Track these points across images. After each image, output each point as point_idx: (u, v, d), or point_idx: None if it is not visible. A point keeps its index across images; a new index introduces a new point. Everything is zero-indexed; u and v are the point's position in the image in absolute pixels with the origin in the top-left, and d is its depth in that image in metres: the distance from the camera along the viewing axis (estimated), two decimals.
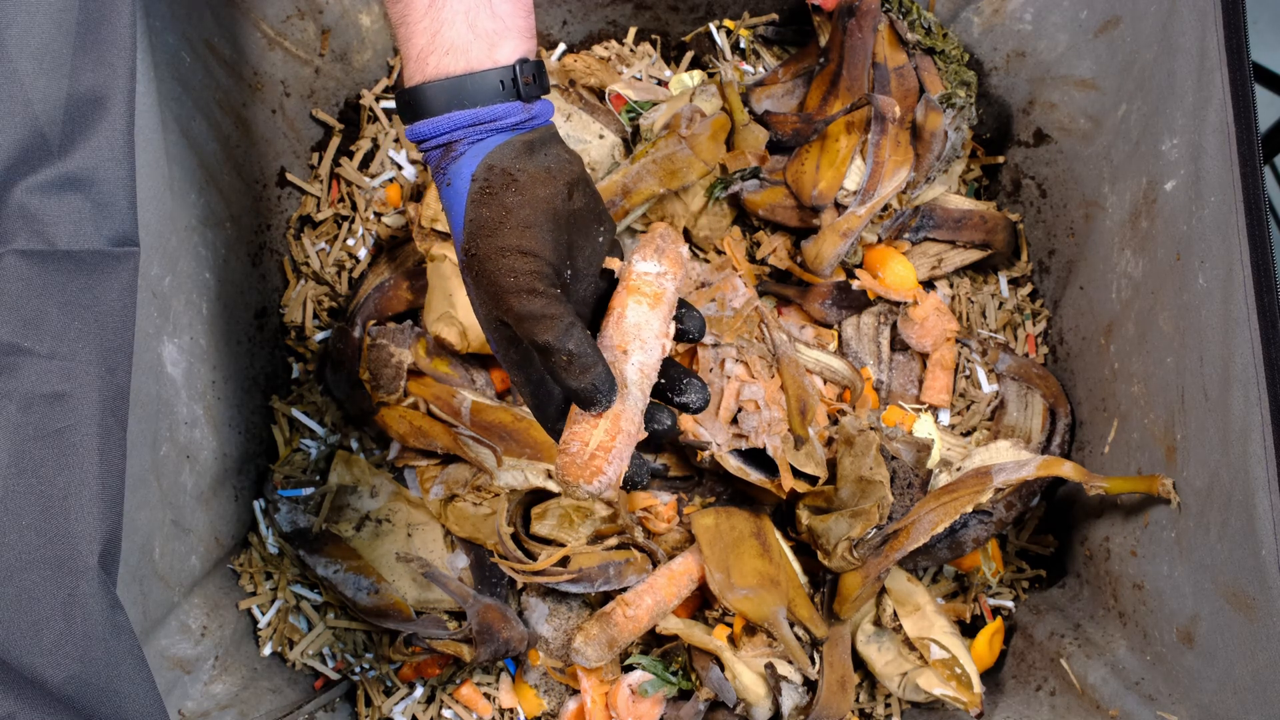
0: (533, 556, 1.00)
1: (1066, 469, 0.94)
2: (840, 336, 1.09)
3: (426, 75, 0.67)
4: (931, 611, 1.00)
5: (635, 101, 1.12)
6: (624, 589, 1.00)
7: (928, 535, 0.94)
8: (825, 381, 1.07)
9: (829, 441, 1.03)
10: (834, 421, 1.05)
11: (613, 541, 1.02)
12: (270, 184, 1.09)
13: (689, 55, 1.18)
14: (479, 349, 1.03)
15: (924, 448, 1.03)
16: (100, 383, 0.67)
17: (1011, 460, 0.97)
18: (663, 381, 0.71)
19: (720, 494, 1.04)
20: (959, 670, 0.97)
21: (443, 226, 1.07)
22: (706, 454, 1.01)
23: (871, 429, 1.03)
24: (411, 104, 0.68)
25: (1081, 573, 1.04)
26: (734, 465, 0.99)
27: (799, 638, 0.97)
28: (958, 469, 1.00)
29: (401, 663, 1.05)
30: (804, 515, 1.00)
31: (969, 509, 0.94)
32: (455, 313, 1.02)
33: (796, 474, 0.99)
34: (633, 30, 1.18)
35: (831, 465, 1.00)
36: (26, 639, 0.63)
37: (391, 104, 1.16)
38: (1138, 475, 0.94)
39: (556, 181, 0.67)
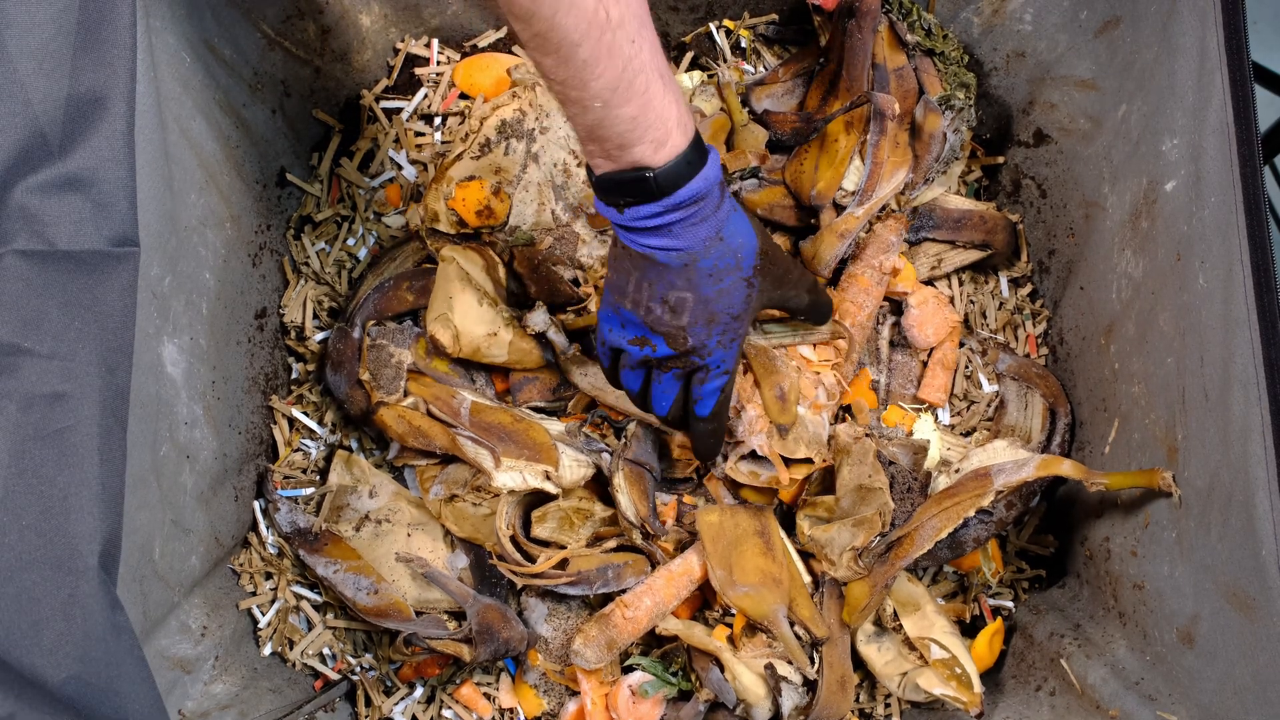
0: (531, 558, 1.00)
1: (1066, 467, 0.94)
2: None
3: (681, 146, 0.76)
4: (932, 611, 1.00)
5: None
6: (623, 591, 0.99)
7: (932, 541, 0.94)
8: (814, 346, 1.06)
9: (839, 415, 1.03)
10: (840, 420, 1.05)
11: (612, 544, 1.02)
12: (270, 184, 1.09)
13: (689, 55, 1.18)
14: (469, 355, 1.03)
15: (920, 450, 1.03)
16: (100, 383, 0.67)
17: (1010, 460, 0.97)
18: None
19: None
20: (959, 670, 0.97)
21: (444, 227, 1.07)
22: (719, 472, 1.02)
23: (867, 435, 1.03)
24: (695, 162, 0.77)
25: (1081, 573, 1.04)
26: (746, 473, 0.99)
27: (799, 637, 0.97)
28: (956, 469, 1.00)
29: (401, 663, 1.05)
30: (806, 526, 1.00)
31: (971, 513, 0.94)
32: (451, 315, 1.02)
33: (790, 462, 0.99)
34: None
35: (829, 474, 1.00)
36: (26, 639, 0.63)
37: (391, 104, 1.16)
38: (1138, 470, 0.94)
39: None
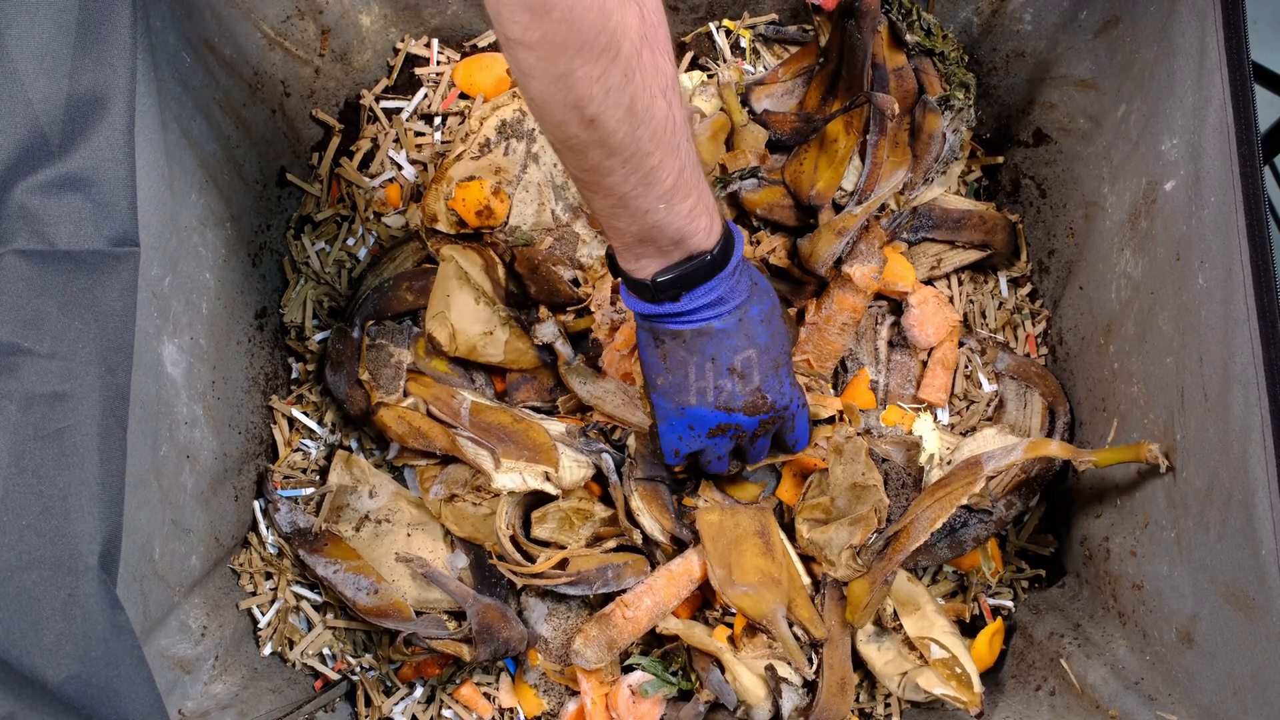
0: (531, 558, 1.00)
1: (1053, 448, 0.94)
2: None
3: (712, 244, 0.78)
4: (931, 611, 1.00)
5: None
6: (622, 590, 1.00)
7: (928, 532, 0.94)
8: None
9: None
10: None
11: (611, 544, 1.02)
12: (270, 184, 1.09)
13: (689, 55, 1.18)
14: (465, 354, 1.03)
15: (913, 446, 1.03)
16: (100, 383, 0.67)
17: (1000, 446, 0.97)
18: None
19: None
20: (959, 670, 0.97)
21: (444, 227, 1.07)
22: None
23: (859, 434, 1.03)
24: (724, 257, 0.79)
25: (1081, 572, 1.04)
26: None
27: (798, 638, 0.97)
28: (948, 462, 1.00)
29: (401, 662, 1.05)
30: (803, 529, 1.00)
31: (964, 500, 0.94)
32: (449, 314, 1.02)
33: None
34: None
35: (824, 476, 1.00)
36: (26, 639, 0.63)
37: (391, 104, 1.16)
38: (1124, 445, 0.94)
39: None
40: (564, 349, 1.02)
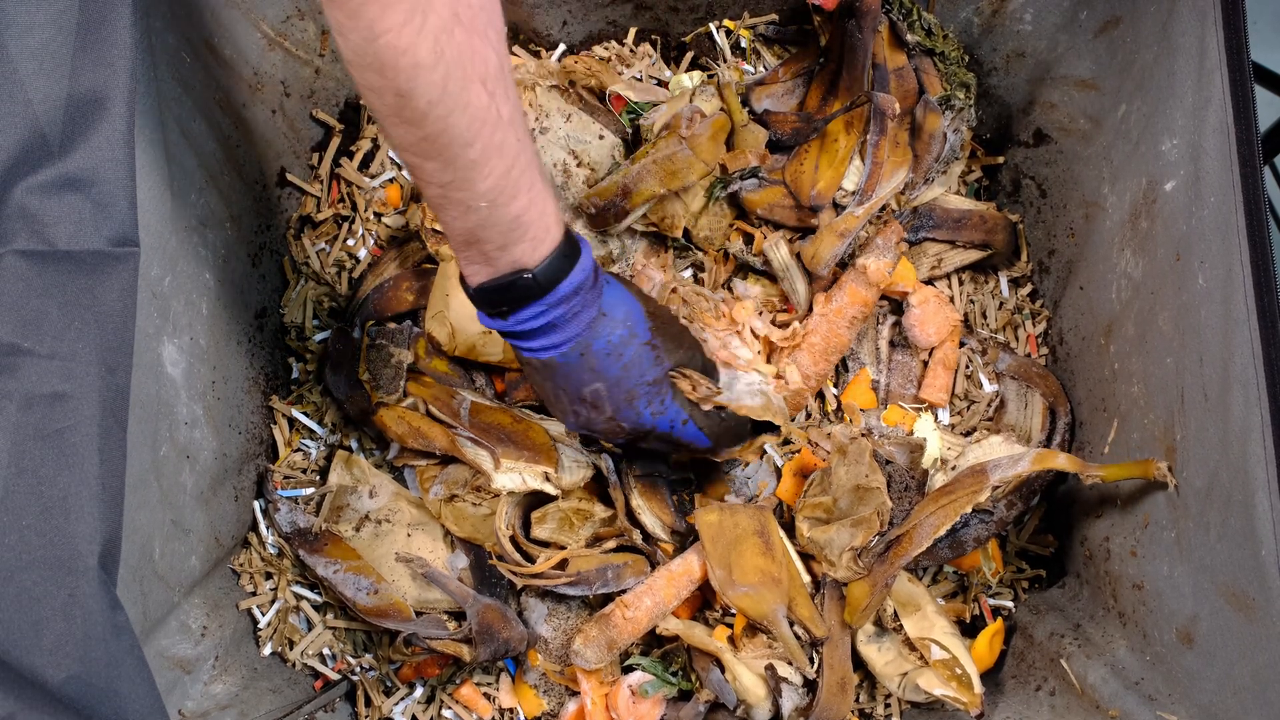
0: (531, 559, 1.00)
1: (1061, 461, 0.94)
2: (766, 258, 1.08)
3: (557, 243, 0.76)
4: (932, 612, 1.00)
5: (635, 102, 1.12)
6: (622, 591, 1.00)
7: (930, 539, 0.94)
8: (773, 312, 1.06)
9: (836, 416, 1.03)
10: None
11: (611, 544, 1.02)
12: (270, 184, 1.09)
13: (689, 55, 1.18)
14: (465, 353, 1.03)
15: (917, 448, 1.03)
16: (100, 383, 0.67)
17: (1006, 455, 0.97)
18: None
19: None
20: (959, 670, 0.97)
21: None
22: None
23: (863, 435, 1.03)
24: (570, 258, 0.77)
25: (1081, 573, 1.04)
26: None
27: (798, 637, 0.97)
28: (953, 467, 1.00)
29: (401, 663, 1.05)
30: (804, 528, 1.00)
31: (968, 509, 0.94)
32: (448, 313, 1.02)
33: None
34: (633, 31, 1.18)
35: (826, 475, 1.00)
36: (26, 639, 0.63)
37: None
38: (1133, 461, 0.94)
39: None
40: None
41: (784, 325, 1.07)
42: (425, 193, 0.72)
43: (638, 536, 1.01)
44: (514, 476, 0.98)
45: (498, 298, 0.76)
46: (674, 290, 1.04)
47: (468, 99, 0.65)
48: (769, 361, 1.05)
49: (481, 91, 0.66)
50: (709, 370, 0.92)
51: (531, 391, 1.06)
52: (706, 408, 0.90)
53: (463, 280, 0.78)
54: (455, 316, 1.02)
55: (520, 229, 0.73)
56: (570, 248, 0.76)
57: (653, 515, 1.01)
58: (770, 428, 0.99)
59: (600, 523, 1.02)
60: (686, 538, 1.02)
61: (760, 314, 1.06)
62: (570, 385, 0.82)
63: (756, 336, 1.04)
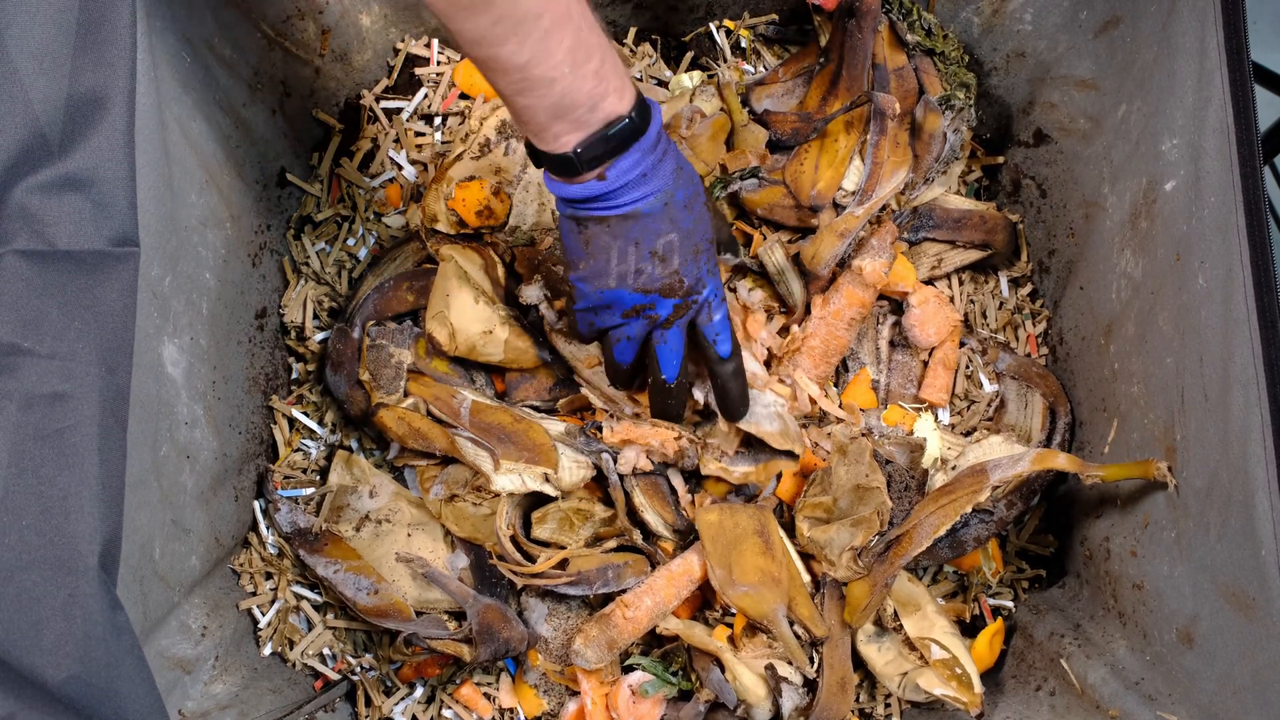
0: (531, 558, 1.00)
1: (1061, 461, 0.94)
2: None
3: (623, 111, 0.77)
4: (932, 611, 1.00)
5: None
6: (623, 591, 1.00)
7: (930, 539, 0.94)
8: (770, 314, 1.07)
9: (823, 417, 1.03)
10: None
11: (612, 544, 1.02)
12: (270, 184, 1.09)
13: (689, 55, 1.18)
14: (465, 353, 1.03)
15: (917, 448, 1.03)
16: (100, 383, 0.67)
17: (1006, 455, 0.97)
18: None
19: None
20: (959, 670, 0.97)
21: (444, 227, 1.07)
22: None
23: (863, 434, 1.03)
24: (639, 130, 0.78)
25: (1081, 573, 1.04)
26: (716, 468, 1.00)
27: (798, 637, 0.97)
28: (953, 467, 1.00)
29: (402, 663, 1.05)
30: (804, 527, 1.00)
31: (968, 509, 0.94)
32: (449, 313, 1.02)
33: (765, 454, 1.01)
34: (633, 30, 1.18)
35: (826, 474, 1.00)
36: (26, 639, 0.63)
37: (392, 104, 1.16)
38: (1133, 461, 0.94)
39: None
40: (548, 312, 1.02)
41: (783, 331, 1.07)
42: (502, 84, 0.73)
43: (638, 536, 1.01)
44: (513, 478, 0.98)
45: (600, 153, 0.77)
46: None
47: None
48: (768, 366, 1.05)
49: None
50: (726, 243, 1.00)
51: (532, 391, 1.06)
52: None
53: (550, 159, 0.78)
54: (456, 317, 1.02)
55: (604, 84, 0.75)
56: (641, 97, 0.79)
57: (654, 513, 1.01)
58: (789, 454, 1.00)
59: (600, 522, 1.02)
60: (687, 536, 1.02)
61: (770, 319, 1.06)
62: (647, 237, 0.82)
63: (767, 350, 1.04)
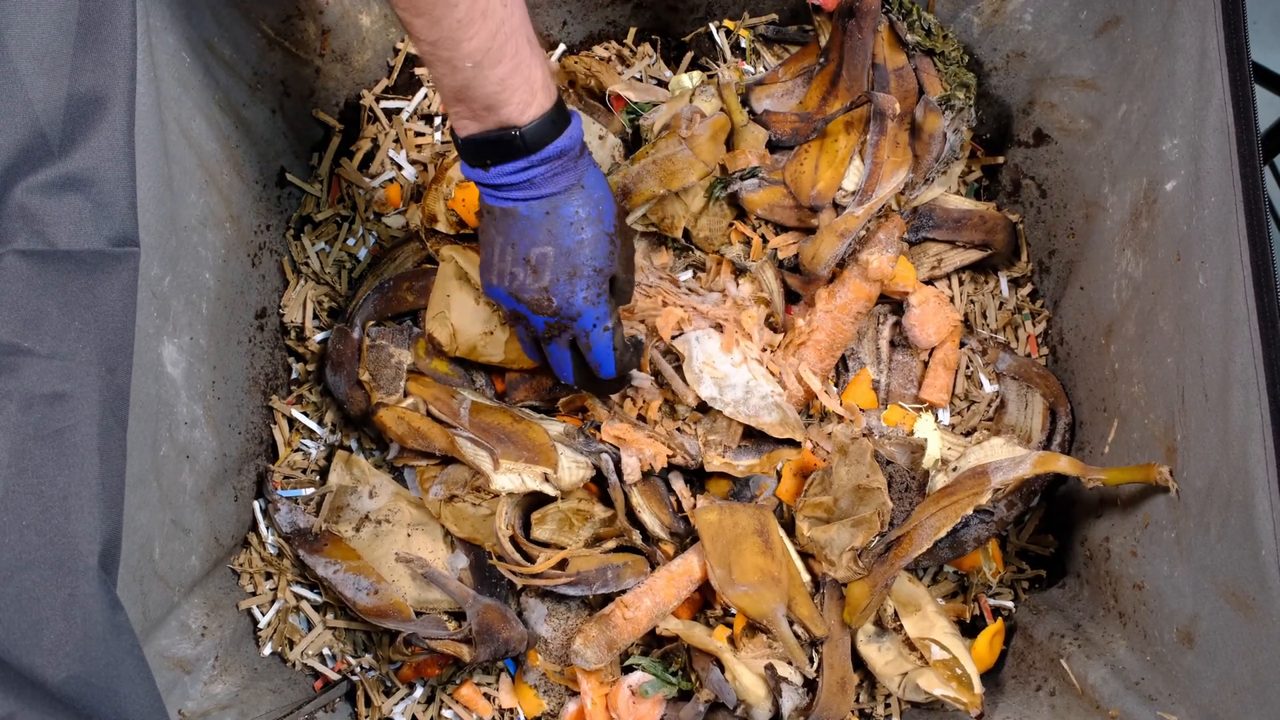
0: (531, 559, 1.00)
1: (1063, 464, 0.94)
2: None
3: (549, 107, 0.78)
4: (932, 612, 1.00)
5: (635, 102, 1.12)
6: (622, 591, 0.99)
7: (931, 540, 0.94)
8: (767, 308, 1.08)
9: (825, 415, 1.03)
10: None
11: (611, 545, 1.02)
12: (270, 184, 1.09)
13: (689, 55, 1.18)
14: (466, 353, 1.03)
15: (918, 449, 1.03)
16: (100, 383, 0.67)
17: (1008, 458, 0.97)
18: None
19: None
20: (959, 671, 0.97)
21: (444, 227, 1.07)
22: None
23: (864, 435, 1.03)
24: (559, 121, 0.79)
25: (1081, 573, 1.04)
26: (720, 463, 1.00)
27: (798, 636, 0.97)
28: (954, 468, 1.00)
29: (401, 663, 1.05)
30: (805, 527, 1.00)
31: (969, 511, 0.94)
32: (449, 314, 1.02)
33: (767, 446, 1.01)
34: (633, 30, 1.18)
35: (826, 474, 1.00)
36: (26, 639, 0.63)
37: (392, 104, 1.16)
38: (1135, 465, 0.94)
39: None
40: None
41: (774, 328, 1.08)
42: (417, 49, 0.75)
43: (637, 537, 1.01)
44: (513, 478, 0.98)
45: (484, 150, 0.79)
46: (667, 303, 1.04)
47: None
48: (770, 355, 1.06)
49: None
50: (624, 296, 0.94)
51: (532, 391, 1.06)
52: (628, 335, 0.91)
53: (451, 132, 0.80)
54: (456, 318, 1.02)
55: (507, 91, 0.75)
56: (560, 116, 0.79)
57: (652, 514, 1.01)
58: (790, 443, 1.00)
59: (600, 523, 1.02)
60: (685, 538, 1.02)
61: (766, 319, 1.07)
62: (522, 242, 0.83)
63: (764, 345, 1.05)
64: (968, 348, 1.11)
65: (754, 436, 1.02)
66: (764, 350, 1.05)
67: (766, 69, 1.17)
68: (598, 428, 1.02)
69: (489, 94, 0.75)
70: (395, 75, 1.16)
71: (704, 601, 1.04)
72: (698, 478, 1.05)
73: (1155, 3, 0.91)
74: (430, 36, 0.72)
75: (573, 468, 1.00)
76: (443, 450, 1.00)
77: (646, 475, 1.02)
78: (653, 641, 1.04)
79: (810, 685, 0.99)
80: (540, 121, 0.78)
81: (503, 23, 0.73)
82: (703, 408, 1.01)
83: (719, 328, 1.02)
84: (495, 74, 0.74)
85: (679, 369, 1.02)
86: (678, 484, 1.03)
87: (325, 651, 1.06)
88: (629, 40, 1.18)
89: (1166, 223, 0.90)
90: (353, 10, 1.10)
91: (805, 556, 1.01)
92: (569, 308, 0.86)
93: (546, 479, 0.99)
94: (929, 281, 1.12)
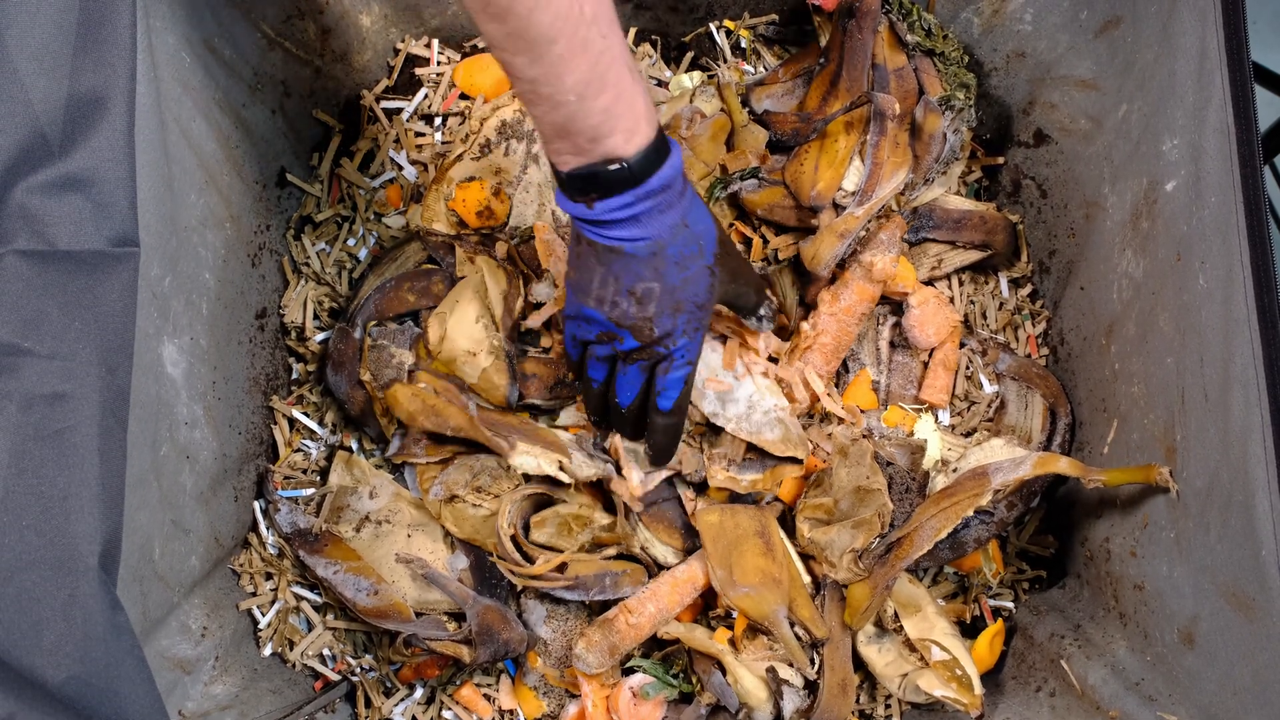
0: (531, 560, 1.00)
1: (1063, 465, 0.94)
2: None
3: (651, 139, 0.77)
4: (932, 613, 1.00)
5: None
6: (619, 599, 0.99)
7: (931, 542, 0.94)
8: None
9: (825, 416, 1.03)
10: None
11: (611, 551, 1.02)
12: (270, 184, 1.09)
13: (689, 56, 1.18)
14: (444, 362, 1.02)
15: (918, 449, 1.02)
16: (100, 383, 0.67)
17: (1008, 459, 0.97)
18: None
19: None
20: (959, 671, 0.97)
21: (442, 227, 1.07)
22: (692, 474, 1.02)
23: (864, 436, 1.03)
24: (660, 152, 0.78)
25: (1082, 574, 1.04)
26: (724, 478, 1.00)
27: (799, 638, 0.97)
28: (954, 469, 1.00)
29: (401, 664, 1.05)
30: (805, 528, 1.00)
31: (970, 512, 0.94)
32: (448, 317, 1.02)
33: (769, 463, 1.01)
34: (633, 30, 1.18)
35: (827, 475, 1.00)
36: (26, 639, 0.63)
37: (392, 104, 1.16)
38: (1135, 466, 0.94)
39: None
40: (554, 310, 1.02)
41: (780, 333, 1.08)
42: (516, 88, 0.74)
43: (636, 545, 1.01)
44: (531, 459, 0.97)
45: (589, 185, 0.77)
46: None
47: None
48: (775, 361, 1.05)
49: None
50: (751, 309, 0.95)
51: (534, 388, 1.06)
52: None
53: (553, 168, 0.79)
54: (452, 324, 1.01)
55: (611, 121, 0.74)
56: (662, 145, 0.78)
57: (663, 545, 1.01)
58: (793, 460, 0.99)
59: (600, 529, 1.02)
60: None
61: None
62: (626, 276, 0.82)
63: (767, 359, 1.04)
64: (968, 348, 1.11)
65: (758, 449, 1.01)
66: (770, 360, 1.04)
67: (767, 69, 1.17)
68: (605, 449, 1.01)
69: (593, 125, 0.74)
70: (395, 75, 1.16)
71: (706, 604, 1.04)
72: (705, 488, 1.05)
73: (1155, 3, 0.91)
74: (530, 74, 0.71)
75: (584, 464, 0.99)
76: (458, 428, 0.99)
77: (652, 503, 1.01)
78: (654, 644, 1.04)
79: (811, 687, 0.98)
80: (645, 152, 0.76)
81: (602, 53, 0.72)
82: (707, 423, 1.01)
83: (722, 340, 1.02)
84: (599, 104, 0.73)
85: None
86: (682, 489, 1.03)
87: (325, 652, 1.06)
88: (629, 40, 1.18)
89: (1167, 223, 0.90)
90: (353, 10, 1.10)
91: (806, 558, 1.01)
92: (667, 338, 0.86)
93: (562, 467, 0.98)
94: (929, 282, 1.12)
